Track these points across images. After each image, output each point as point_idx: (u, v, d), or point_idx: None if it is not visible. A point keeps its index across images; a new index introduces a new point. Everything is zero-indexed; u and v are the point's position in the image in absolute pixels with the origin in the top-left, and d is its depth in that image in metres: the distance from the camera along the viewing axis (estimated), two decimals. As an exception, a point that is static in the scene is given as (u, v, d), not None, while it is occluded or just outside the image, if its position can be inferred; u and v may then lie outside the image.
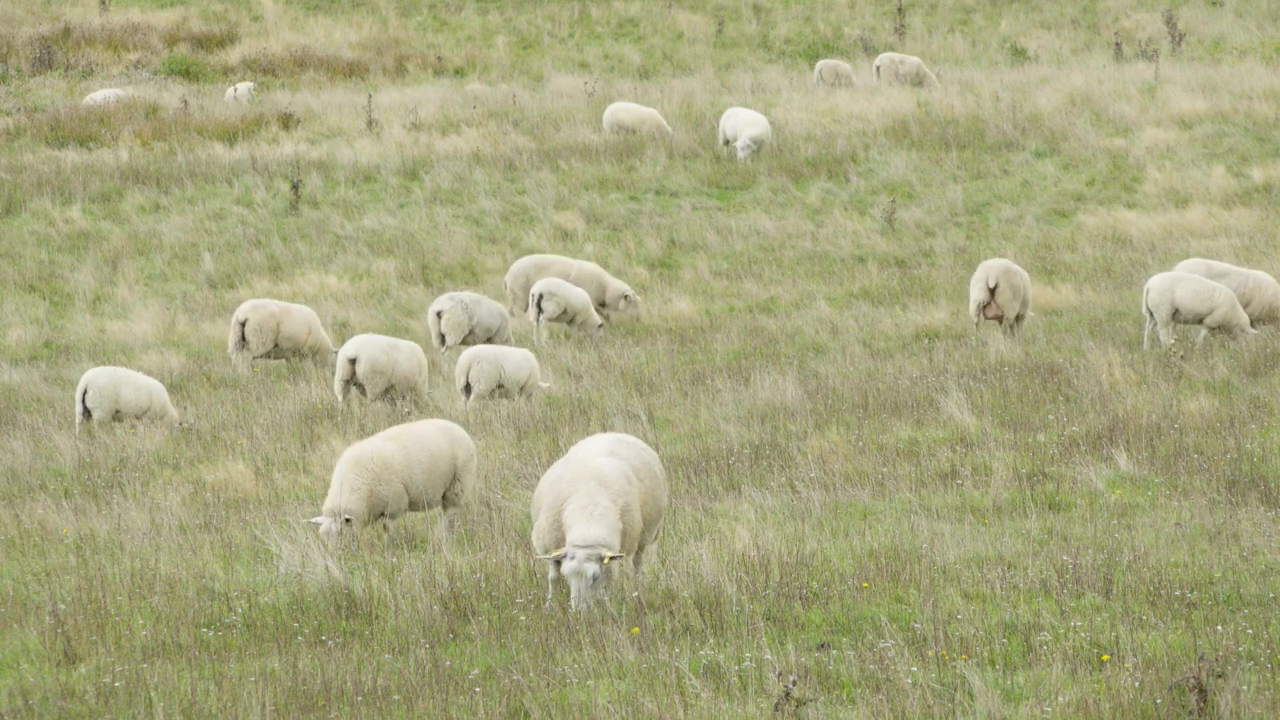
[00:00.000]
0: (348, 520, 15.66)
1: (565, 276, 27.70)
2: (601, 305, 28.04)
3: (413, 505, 16.27)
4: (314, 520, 15.80)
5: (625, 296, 27.98)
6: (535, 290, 26.75)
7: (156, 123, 39.77)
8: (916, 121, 38.82)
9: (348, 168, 36.29)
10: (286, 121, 39.92)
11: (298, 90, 45.89)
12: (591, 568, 13.14)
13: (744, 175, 35.77)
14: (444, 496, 16.53)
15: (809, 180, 35.58)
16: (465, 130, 39.26)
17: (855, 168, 36.15)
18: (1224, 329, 23.94)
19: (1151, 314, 24.04)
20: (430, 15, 54.67)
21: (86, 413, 21.45)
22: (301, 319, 24.93)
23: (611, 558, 13.12)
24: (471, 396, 22.08)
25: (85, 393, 21.48)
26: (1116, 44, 47.96)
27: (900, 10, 52.50)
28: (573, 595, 13.24)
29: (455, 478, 16.44)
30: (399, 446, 16.10)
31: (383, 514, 16.06)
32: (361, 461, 15.90)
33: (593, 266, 28.46)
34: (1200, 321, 24.04)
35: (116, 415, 21.53)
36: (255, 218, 33.57)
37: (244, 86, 44.77)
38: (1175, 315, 23.98)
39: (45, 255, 31.54)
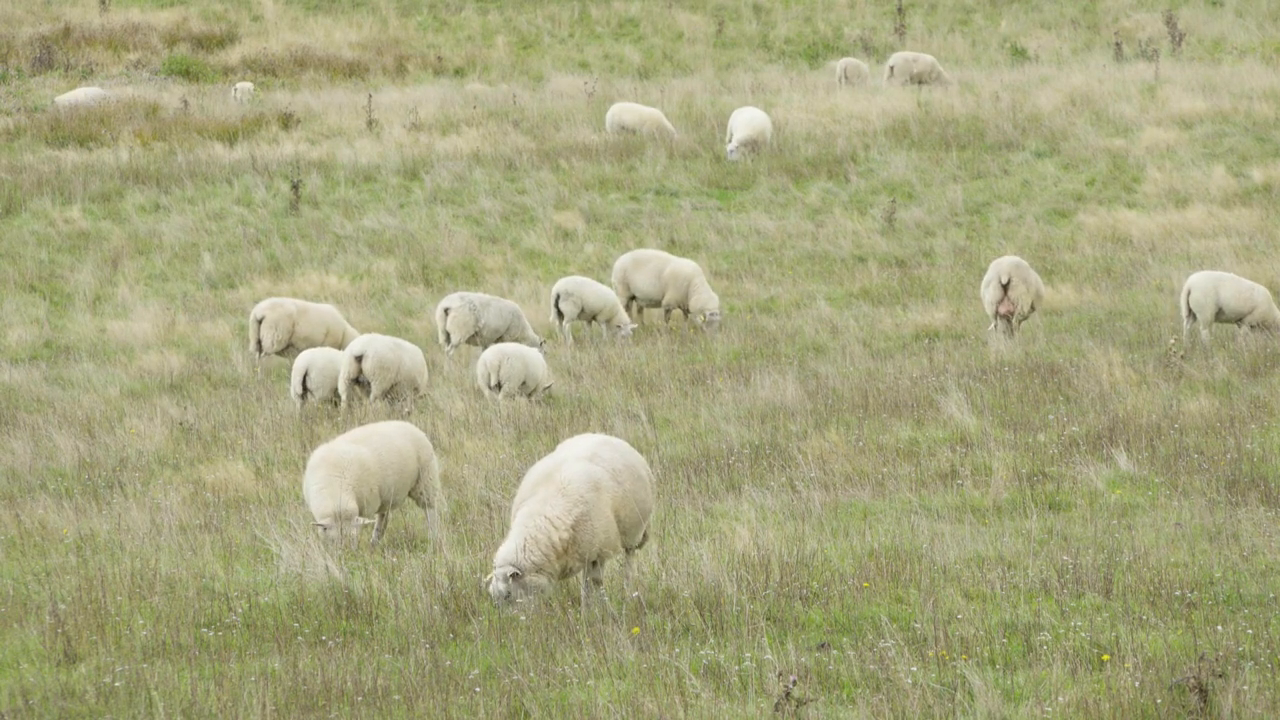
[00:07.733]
0: (348, 519, 15.65)
1: (658, 274, 27.34)
2: (682, 308, 27.28)
3: (380, 507, 16.31)
4: (320, 523, 15.68)
5: (707, 315, 26.86)
6: (555, 290, 26.58)
7: (156, 123, 39.76)
8: (916, 121, 38.80)
9: (348, 168, 36.28)
10: (286, 121, 39.91)
11: (298, 90, 45.89)
12: (498, 587, 13.07)
13: (744, 175, 35.74)
14: (414, 498, 16.58)
15: (809, 180, 35.55)
16: (465, 130, 39.24)
17: (855, 168, 36.13)
18: (1262, 327, 23.92)
19: (1193, 314, 23.97)
20: (430, 15, 54.66)
21: (306, 392, 22.05)
22: (319, 320, 24.66)
23: (512, 576, 12.96)
24: (501, 394, 22.06)
25: (306, 374, 21.98)
26: (1116, 44, 47.95)
27: (900, 10, 52.50)
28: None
29: (418, 478, 16.50)
30: (372, 449, 16.12)
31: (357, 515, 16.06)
32: (340, 464, 15.88)
33: (689, 268, 27.40)
34: (1240, 320, 24.01)
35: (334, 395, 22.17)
36: (255, 218, 33.55)
37: (244, 86, 44.74)
38: (1219, 314, 23.95)
39: (45, 255, 31.53)
